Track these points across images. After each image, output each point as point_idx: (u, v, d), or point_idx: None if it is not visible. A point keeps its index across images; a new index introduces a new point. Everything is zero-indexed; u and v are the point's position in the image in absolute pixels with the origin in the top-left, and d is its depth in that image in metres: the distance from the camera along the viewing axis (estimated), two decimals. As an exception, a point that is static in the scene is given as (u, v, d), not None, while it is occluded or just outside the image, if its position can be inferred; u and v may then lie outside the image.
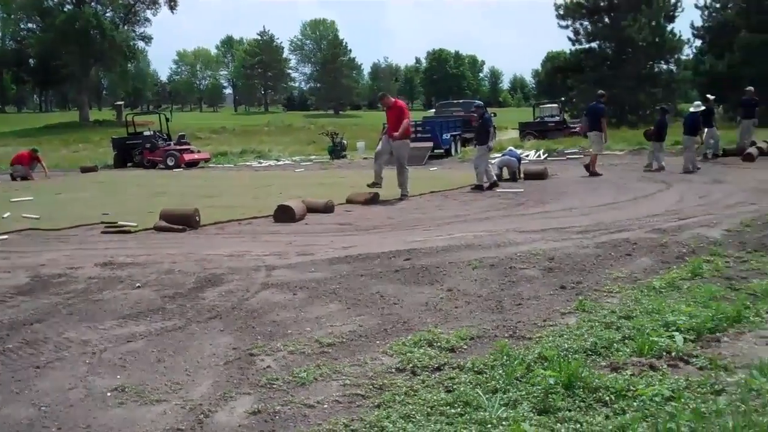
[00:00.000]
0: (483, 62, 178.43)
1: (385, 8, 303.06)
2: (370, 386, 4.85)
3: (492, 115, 34.49)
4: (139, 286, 7.76)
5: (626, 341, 5.53)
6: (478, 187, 18.03)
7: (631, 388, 4.60)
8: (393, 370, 5.14)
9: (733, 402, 4.37)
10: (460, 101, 46.24)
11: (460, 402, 4.48)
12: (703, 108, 22.58)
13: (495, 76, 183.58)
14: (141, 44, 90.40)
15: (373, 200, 15.48)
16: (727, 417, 4.14)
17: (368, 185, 16.29)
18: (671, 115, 31.10)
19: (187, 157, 30.72)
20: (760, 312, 6.29)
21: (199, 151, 32.91)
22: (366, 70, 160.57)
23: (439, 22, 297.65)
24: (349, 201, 15.45)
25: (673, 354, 5.26)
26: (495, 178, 18.48)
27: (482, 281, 7.64)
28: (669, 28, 56.07)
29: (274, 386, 4.91)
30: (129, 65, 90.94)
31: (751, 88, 25.06)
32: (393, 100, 17.25)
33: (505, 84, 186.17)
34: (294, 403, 4.61)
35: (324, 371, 5.12)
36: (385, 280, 7.70)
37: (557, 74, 66.23)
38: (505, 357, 5.18)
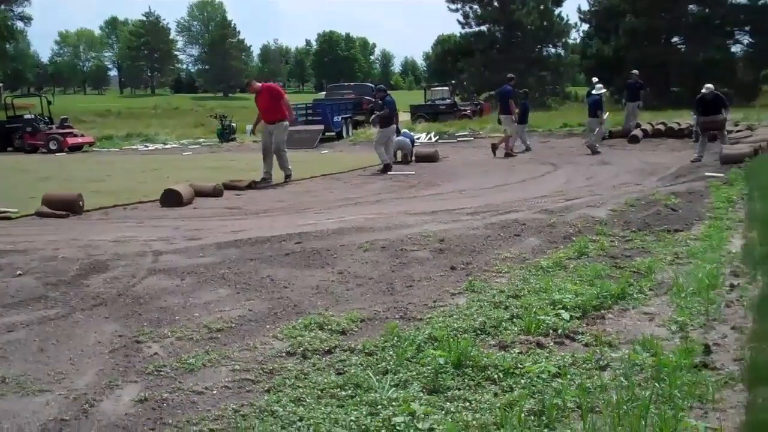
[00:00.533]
0: (374, 45, 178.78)
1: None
2: (260, 371, 4.78)
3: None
4: (20, 274, 7.48)
5: (514, 320, 5.60)
6: (386, 167, 18.04)
7: (519, 365, 4.66)
8: (283, 354, 5.09)
9: (617, 377, 4.48)
10: (352, 84, 46.25)
11: (351, 384, 4.47)
12: (604, 91, 23.10)
13: (386, 58, 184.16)
14: (20, 24, 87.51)
15: (221, 192, 14.63)
16: (611, 392, 4.23)
17: (259, 181, 15.86)
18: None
19: (71, 140, 29.98)
20: (643, 289, 6.47)
21: (82, 135, 32.08)
22: (256, 52, 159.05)
23: (329, 4, 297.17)
24: (227, 187, 14.80)
25: (560, 331, 5.36)
26: (389, 161, 18.50)
27: (373, 263, 7.64)
28: (557, 12, 57.31)
29: (162, 373, 4.79)
30: (7, 46, 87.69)
31: (635, 71, 25.76)
32: (260, 84, 17.08)
33: (397, 67, 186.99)
34: (182, 390, 4.51)
35: (213, 357, 5.03)
36: (275, 264, 7.62)
37: (448, 57, 66.81)
38: (395, 338, 5.18)
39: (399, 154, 20.34)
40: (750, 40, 52.20)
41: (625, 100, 26.56)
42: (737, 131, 22.54)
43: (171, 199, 12.71)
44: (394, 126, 18.90)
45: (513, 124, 21.76)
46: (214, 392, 4.49)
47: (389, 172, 17.74)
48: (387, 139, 18.64)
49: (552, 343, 5.15)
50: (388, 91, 20.13)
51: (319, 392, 4.39)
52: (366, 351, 5.04)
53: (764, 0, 50.72)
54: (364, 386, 4.42)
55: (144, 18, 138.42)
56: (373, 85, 41.85)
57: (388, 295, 6.55)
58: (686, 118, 25.57)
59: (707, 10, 49.85)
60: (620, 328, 5.53)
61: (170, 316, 5.97)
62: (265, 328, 5.66)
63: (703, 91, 18.49)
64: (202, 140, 33.09)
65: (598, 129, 21.62)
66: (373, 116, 21.99)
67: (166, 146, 31.45)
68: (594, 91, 22.45)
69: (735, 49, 53.08)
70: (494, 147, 21.59)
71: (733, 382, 4.44)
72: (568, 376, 4.49)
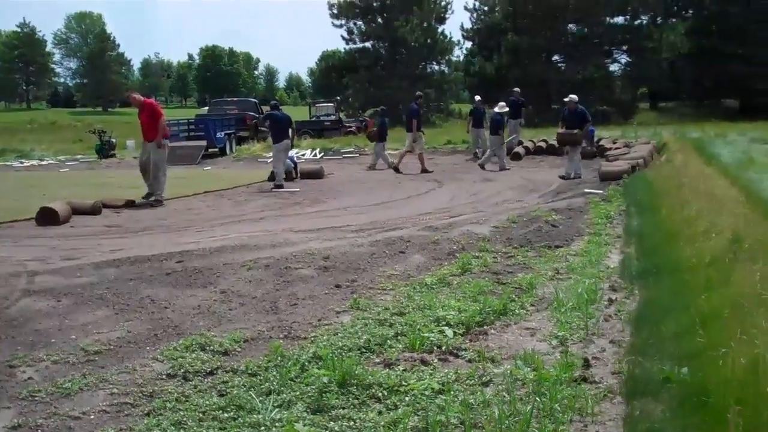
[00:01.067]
0: (258, 60, 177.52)
1: (155, 2, 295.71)
2: (140, 394, 4.66)
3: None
4: None
5: (399, 337, 5.62)
6: (278, 186, 17.88)
7: (403, 383, 4.67)
8: (163, 376, 4.98)
9: (500, 392, 4.54)
10: (235, 99, 45.85)
11: (233, 406, 4.40)
12: (507, 110, 23.47)
13: (270, 74, 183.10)
14: None
15: (133, 203, 14.54)
16: (493, 407, 4.28)
17: (141, 198, 15.24)
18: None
19: (-59, 156, 28.83)
20: (525, 304, 6.59)
21: (-48, 151, 30.90)
22: (136, 65, 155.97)
23: (212, 18, 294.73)
24: (105, 205, 14.10)
25: (444, 348, 5.40)
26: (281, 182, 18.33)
27: (257, 282, 7.55)
28: (440, 29, 58.01)
29: (37, 398, 4.62)
30: None
31: (517, 89, 26.23)
32: (142, 99, 15.85)
33: (281, 82, 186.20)
34: (58, 416, 4.36)
35: (90, 381, 4.88)
36: (155, 284, 7.46)
37: (332, 73, 67.01)
38: (279, 358, 5.13)
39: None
40: (627, 59, 54.05)
41: (508, 118, 27.05)
42: (615, 149, 23.20)
43: (47, 217, 12.30)
44: (287, 141, 18.73)
45: (421, 141, 21.90)
46: (92, 417, 4.36)
47: (274, 190, 17.59)
48: (281, 154, 18.45)
49: (436, 360, 5.18)
50: (280, 107, 20.04)
51: (201, 415, 4.30)
52: (249, 372, 4.97)
53: (640, 20, 52.61)
54: (246, 408, 4.36)
55: (18, 29, 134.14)
56: (256, 101, 41.64)
57: (272, 314, 6.48)
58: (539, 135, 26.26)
59: (586, 30, 51.43)
60: (503, 343, 5.61)
61: (45, 339, 5.77)
62: (145, 350, 5.53)
63: (566, 100, 19.09)
64: (80, 156, 32.20)
65: (499, 147, 21.88)
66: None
67: (43, 163, 30.44)
68: (496, 109, 22.74)
69: (613, 68, 54.94)
70: (394, 168, 21.69)
71: (612, 395, 4.55)
72: (452, 393, 4.52)
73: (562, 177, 18.39)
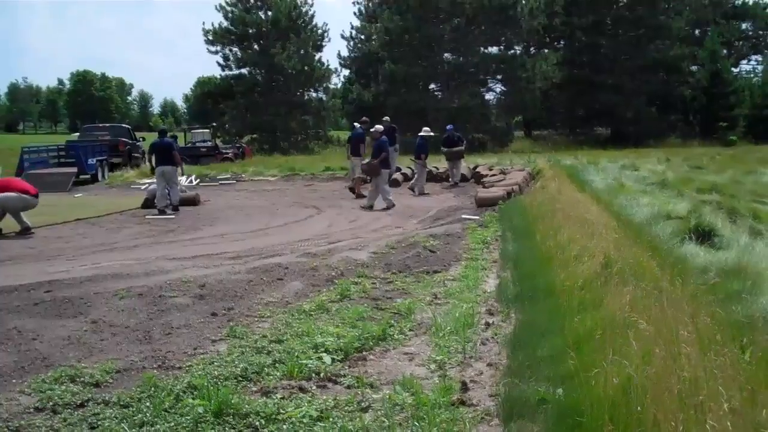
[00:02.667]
0: (131, 85, 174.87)
1: (22, 24, 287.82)
2: (5, 429, 4.47)
3: (142, 139, 33.77)
4: None
5: (277, 365, 5.55)
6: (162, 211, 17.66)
7: (281, 411, 4.62)
8: (31, 409, 4.79)
9: (379, 418, 4.52)
10: (108, 125, 44.87)
11: (105, 439, 4.24)
12: (432, 134, 24.23)
13: (144, 99, 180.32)
14: None
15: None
16: (372, 433, 4.24)
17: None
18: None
19: None
20: (404, 329, 6.60)
21: None
22: (3, 90, 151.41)
23: (83, 42, 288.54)
24: None
25: (322, 375, 5.36)
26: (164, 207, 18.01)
27: (130, 311, 7.35)
28: (317, 57, 58.07)
29: None
30: None
31: (387, 117, 26.35)
32: None
33: (156, 108, 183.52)
34: None
35: (-48, 416, 4.64)
36: (23, 315, 7.18)
37: (208, 99, 66.36)
38: (152, 388, 5.00)
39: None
40: (502, 88, 55.24)
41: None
42: (491, 175, 23.61)
43: None
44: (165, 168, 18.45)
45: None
46: (-48, 456, 4.14)
47: (148, 216, 17.23)
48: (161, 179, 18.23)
49: (315, 387, 5.14)
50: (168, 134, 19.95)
51: (70, 450, 4.13)
52: (121, 403, 4.83)
53: (514, 50, 53.93)
54: (118, 441, 4.20)
55: None
56: (129, 127, 40.88)
57: (146, 343, 6.31)
58: (444, 163, 26.53)
59: (461, 59, 52.28)
60: (382, 369, 5.60)
61: None
62: (11, 383, 5.31)
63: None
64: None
65: (420, 172, 22.11)
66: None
67: None
68: (422, 133, 23.00)
69: (489, 96, 56.02)
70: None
71: (489, 417, 4.59)
72: (331, 420, 4.49)
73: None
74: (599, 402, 3.95)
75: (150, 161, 19.80)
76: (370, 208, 18.20)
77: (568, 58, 54.17)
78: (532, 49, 56.99)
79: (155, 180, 18.47)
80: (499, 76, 54.09)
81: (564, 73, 51.57)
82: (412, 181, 22.70)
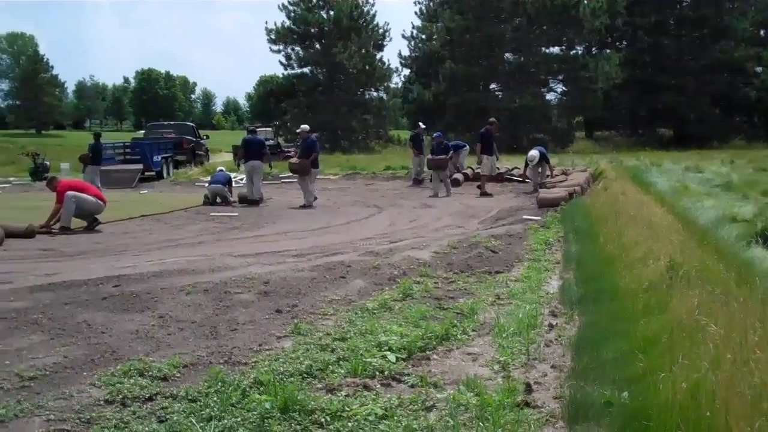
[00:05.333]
0: (195, 84, 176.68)
1: (89, 24, 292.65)
2: (77, 420, 4.55)
3: (206, 137, 34.21)
4: None
5: (341, 362, 5.57)
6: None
7: (346, 408, 4.63)
8: (101, 402, 4.86)
9: (443, 418, 4.52)
10: (172, 123, 45.51)
11: (173, 432, 4.31)
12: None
13: (208, 98, 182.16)
14: None
15: (33, 233, 13.55)
16: (437, 432, 4.26)
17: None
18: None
19: None
20: (467, 330, 6.59)
21: None
22: (71, 88, 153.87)
23: (148, 41, 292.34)
24: (9, 234, 12.98)
25: (386, 373, 5.37)
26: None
27: (196, 307, 7.45)
28: (378, 56, 58.33)
29: (-32, 426, 4.49)
30: None
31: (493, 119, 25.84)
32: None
33: (218, 106, 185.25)
34: (-9, 443, 4.24)
35: (25, 407, 4.74)
36: (92, 308, 7.31)
37: (270, 98, 66.95)
38: (219, 383, 5.05)
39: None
40: (563, 88, 54.88)
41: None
42: (554, 175, 23.46)
43: (-21, 240, 12.05)
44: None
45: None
46: (27, 445, 4.24)
47: (212, 213, 17.50)
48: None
49: (379, 385, 5.15)
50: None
51: (140, 441, 4.21)
52: (189, 397, 4.88)
53: (576, 50, 53.48)
54: (187, 434, 4.27)
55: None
56: (194, 125, 41.39)
57: (212, 339, 6.39)
58: (505, 163, 26.49)
59: (522, 59, 52.06)
60: (445, 368, 5.60)
61: (-23, 365, 5.61)
62: (82, 376, 5.39)
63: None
64: (13, 179, 31.62)
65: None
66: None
67: (-27, 185, 29.92)
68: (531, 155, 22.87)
69: (550, 96, 55.72)
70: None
71: (554, 419, 4.57)
72: (395, 418, 4.49)
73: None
74: (667, 406, 3.91)
75: (239, 157, 21.16)
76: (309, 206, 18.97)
77: (630, 59, 53.61)
78: (593, 49, 56.54)
79: (243, 175, 19.22)
80: (560, 77, 53.84)
81: (626, 74, 51.05)
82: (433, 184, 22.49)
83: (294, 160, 19.25)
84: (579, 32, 50.17)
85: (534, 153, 22.39)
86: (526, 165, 22.85)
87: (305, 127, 20.42)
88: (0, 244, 12.28)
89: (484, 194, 21.23)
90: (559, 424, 4.50)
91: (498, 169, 24.84)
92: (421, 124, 26.78)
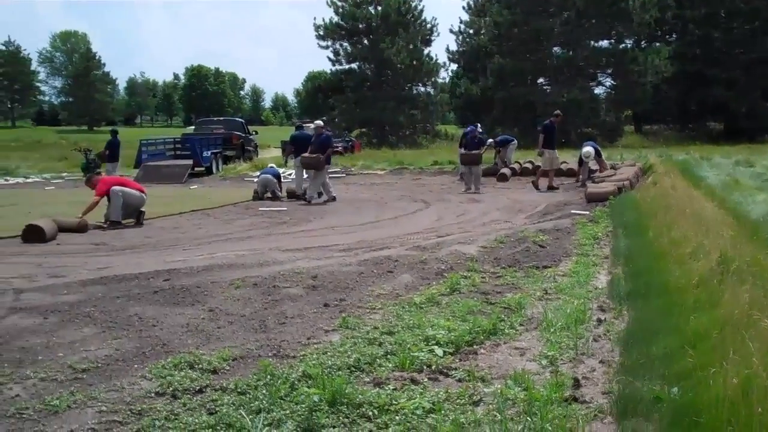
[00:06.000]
0: (244, 80, 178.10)
1: (140, 21, 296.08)
2: (128, 412, 4.62)
3: (255, 133, 34.42)
4: None
5: (389, 356, 5.59)
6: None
7: (394, 402, 4.65)
8: (152, 394, 4.93)
9: (491, 412, 4.52)
10: (221, 118, 45.83)
11: (223, 424, 4.37)
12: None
13: (256, 94, 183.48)
14: None
15: (85, 228, 13.78)
16: (485, 427, 4.28)
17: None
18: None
19: (-76, 172, 28.62)
20: (514, 324, 6.57)
21: (-63, 168, 30.67)
22: (122, 85, 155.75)
23: (197, 38, 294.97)
24: (62, 228, 13.22)
25: (434, 367, 5.38)
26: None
27: (245, 301, 7.52)
28: (426, 51, 58.29)
29: (24, 416, 4.57)
30: None
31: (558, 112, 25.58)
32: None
33: (267, 102, 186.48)
34: (46, 433, 4.32)
35: (78, 398, 4.83)
36: (143, 302, 7.42)
37: (318, 94, 67.33)
38: (268, 376, 5.09)
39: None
40: (612, 82, 54.34)
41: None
42: (598, 170, 23.24)
43: (33, 234, 12.24)
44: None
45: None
46: (80, 435, 4.31)
47: (261, 209, 17.63)
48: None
49: (426, 379, 5.16)
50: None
51: (190, 433, 4.27)
52: (238, 390, 4.94)
53: (625, 44, 52.94)
54: (236, 426, 4.33)
55: (3, 47, 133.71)
56: (243, 120, 41.63)
57: (261, 332, 6.45)
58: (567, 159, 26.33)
59: (571, 53, 51.70)
60: (492, 363, 5.59)
61: (32, 357, 5.71)
62: (133, 368, 5.48)
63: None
64: (65, 174, 32.08)
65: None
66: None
67: (28, 180, 30.34)
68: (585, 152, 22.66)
69: (598, 90, 55.20)
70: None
71: (602, 414, 4.54)
72: (443, 412, 4.50)
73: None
74: (717, 402, 3.87)
75: (288, 152, 21.71)
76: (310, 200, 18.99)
77: (680, 52, 52.74)
78: (643, 42, 55.78)
79: (293, 170, 19.48)
80: (609, 70, 53.29)
81: (676, 67, 50.25)
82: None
83: (307, 154, 19.25)
84: (628, 25, 49.57)
85: (589, 149, 22.20)
86: (581, 162, 22.58)
87: (319, 122, 20.75)
88: (53, 238, 12.49)
89: (550, 188, 21.06)
90: (607, 420, 4.48)
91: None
92: (479, 126, 26.81)
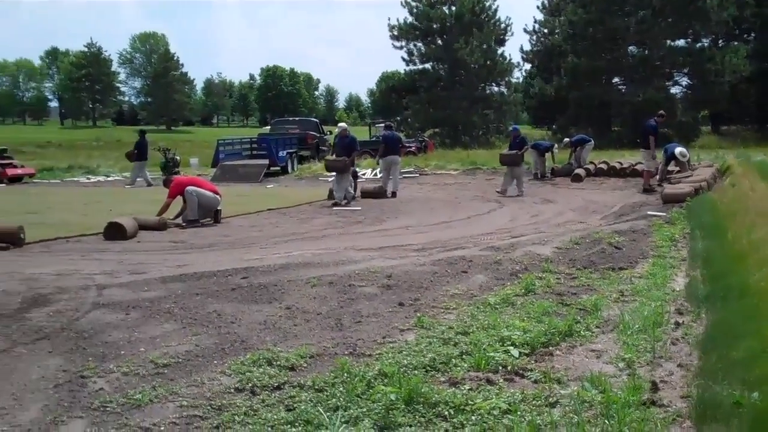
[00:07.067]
0: (318, 80, 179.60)
1: (217, 23, 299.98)
2: (209, 407, 4.71)
3: (329, 133, 34.68)
4: (-41, 307, 7.32)
5: (464, 356, 5.60)
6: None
7: (470, 402, 4.66)
8: (232, 389, 5.02)
9: (567, 414, 4.50)
10: (297, 118, 46.27)
11: (301, 420, 4.42)
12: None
13: (331, 94, 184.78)
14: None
15: (165, 226, 14.13)
16: (561, 428, 4.27)
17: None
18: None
19: (10, 172, 29.32)
20: (590, 326, 6.52)
21: (23, 166, 31.38)
22: (199, 85, 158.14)
23: (273, 39, 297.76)
24: (143, 226, 13.57)
25: (509, 368, 5.37)
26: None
27: (321, 299, 7.60)
28: (500, 51, 58.06)
29: (108, 409, 4.69)
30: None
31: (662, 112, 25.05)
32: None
33: (341, 102, 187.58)
34: (129, 426, 4.42)
35: (160, 392, 4.94)
36: (221, 299, 7.55)
37: (392, 94, 67.38)
38: (345, 374, 5.14)
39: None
40: (689, 81, 53.42)
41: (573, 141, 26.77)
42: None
43: (115, 232, 12.53)
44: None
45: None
46: (162, 428, 4.41)
47: (335, 207, 17.77)
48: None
49: (502, 380, 5.16)
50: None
51: (269, 429, 4.35)
52: (316, 387, 5.00)
53: (702, 43, 51.99)
54: (314, 422, 4.38)
55: (85, 49, 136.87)
56: (317, 120, 41.97)
57: (337, 330, 6.51)
58: (628, 157, 26.01)
59: (647, 52, 50.99)
60: (569, 364, 5.57)
61: (115, 351, 5.86)
62: (213, 364, 5.58)
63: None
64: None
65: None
66: None
67: (109, 178, 31.05)
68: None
69: (674, 90, 54.29)
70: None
71: (681, 419, 4.50)
72: (519, 413, 4.50)
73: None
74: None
75: (380, 153, 21.58)
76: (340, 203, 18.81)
77: (758, 51, 51.61)
78: (720, 41, 54.66)
79: (380, 169, 19.97)
80: (685, 70, 52.36)
81: (754, 66, 49.12)
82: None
83: (330, 157, 19.37)
84: (706, 24, 48.66)
85: (682, 149, 21.95)
86: (669, 161, 22.07)
87: (343, 125, 20.81)
88: (134, 236, 12.77)
89: (646, 190, 20.54)
90: (686, 424, 4.43)
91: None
92: (556, 146, 26.75)
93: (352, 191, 19.42)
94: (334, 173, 19.53)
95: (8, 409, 4.72)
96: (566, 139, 26.88)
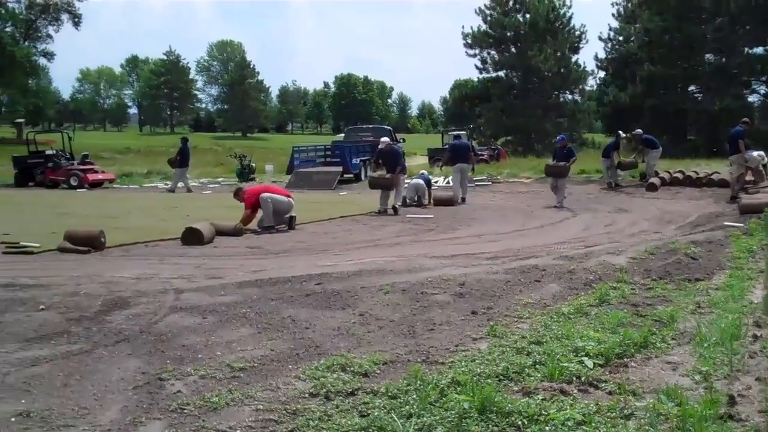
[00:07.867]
0: (392, 88, 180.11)
1: (293, 31, 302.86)
2: (284, 411, 4.78)
3: (402, 140, 34.89)
4: (43, 309, 7.50)
5: (537, 366, 5.58)
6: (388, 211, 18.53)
7: (543, 412, 4.63)
8: (306, 394, 5.08)
9: (642, 426, 4.46)
10: (370, 126, 46.44)
11: (375, 427, 4.45)
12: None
13: (404, 102, 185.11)
14: (42, 61, 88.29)
15: (241, 231, 14.34)
16: (636, 441, 4.22)
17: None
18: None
19: (91, 177, 30.04)
20: (666, 338, 6.43)
21: (103, 172, 32.15)
22: (274, 92, 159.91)
23: (347, 47, 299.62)
24: (219, 232, 13.84)
25: (583, 379, 5.33)
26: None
27: (394, 306, 7.64)
28: (574, 59, 57.68)
29: (185, 411, 4.79)
30: (30, 82, 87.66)
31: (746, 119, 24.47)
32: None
33: (414, 110, 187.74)
34: (206, 429, 4.51)
35: (236, 396, 5.03)
36: (296, 305, 7.63)
37: (465, 102, 67.27)
38: (418, 381, 5.17)
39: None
40: (766, 89, 52.32)
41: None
42: (753, 181, 22.35)
43: (192, 237, 12.75)
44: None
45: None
46: (238, 431, 4.49)
47: (409, 215, 17.83)
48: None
49: (576, 391, 5.13)
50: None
51: (343, 434, 4.38)
52: (389, 394, 5.03)
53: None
54: (388, 429, 4.41)
55: (164, 57, 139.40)
56: (391, 128, 42.11)
57: (410, 338, 6.54)
58: (704, 167, 25.57)
59: (724, 60, 50.10)
60: (644, 376, 5.50)
61: (193, 354, 5.98)
62: (288, 369, 5.66)
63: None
64: (221, 179, 33.22)
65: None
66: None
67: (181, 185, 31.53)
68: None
69: (752, 98, 53.20)
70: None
71: (759, 434, 4.42)
72: (593, 424, 4.46)
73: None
74: None
75: (445, 160, 22.91)
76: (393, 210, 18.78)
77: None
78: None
79: (452, 176, 21.61)
80: (763, 78, 51.25)
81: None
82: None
83: (376, 174, 19.21)
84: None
85: (762, 152, 21.54)
86: (749, 168, 21.50)
87: (386, 139, 20.48)
88: (211, 241, 12.98)
89: (733, 198, 19.83)
90: (764, 439, 4.37)
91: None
92: (620, 132, 26.34)
93: (399, 202, 19.38)
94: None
95: (90, 409, 4.86)
96: (638, 130, 26.47)
